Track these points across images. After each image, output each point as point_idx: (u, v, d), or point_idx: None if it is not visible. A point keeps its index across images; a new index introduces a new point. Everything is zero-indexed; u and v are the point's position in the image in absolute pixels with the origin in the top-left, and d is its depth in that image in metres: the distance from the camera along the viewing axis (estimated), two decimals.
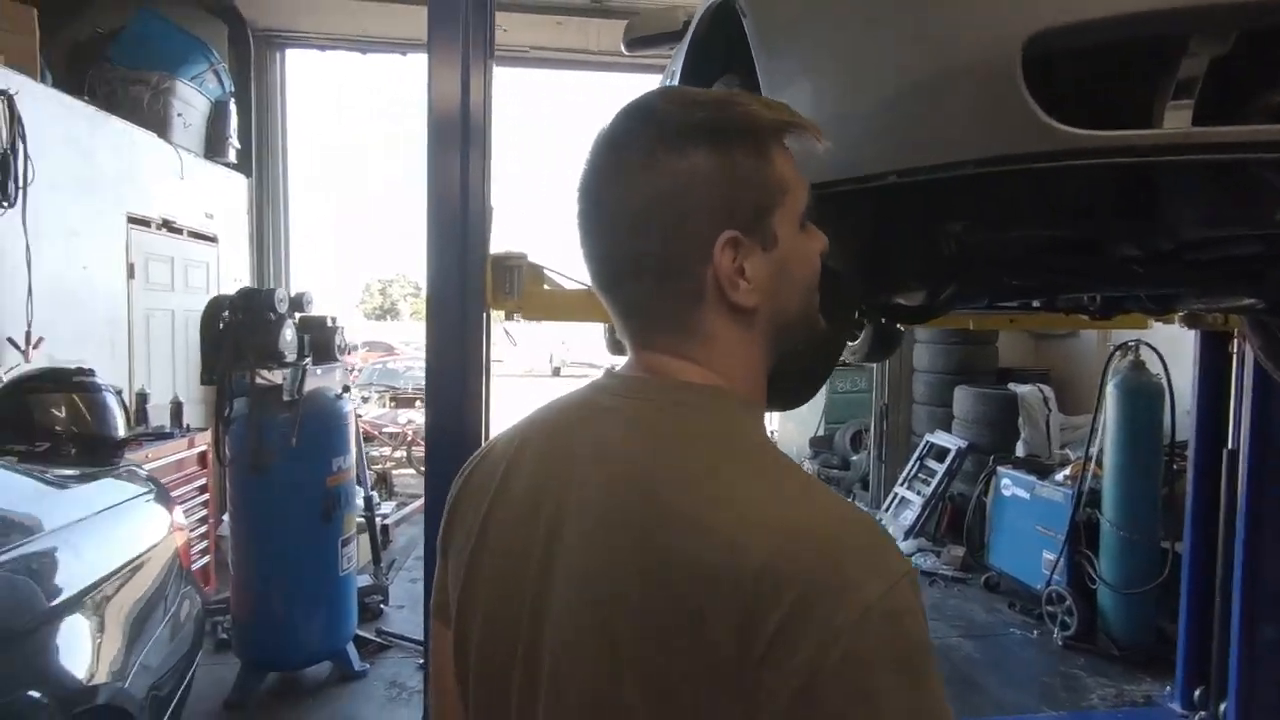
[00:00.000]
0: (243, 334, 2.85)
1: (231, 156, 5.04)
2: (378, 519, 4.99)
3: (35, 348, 3.21)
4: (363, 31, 5.29)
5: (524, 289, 2.31)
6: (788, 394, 1.38)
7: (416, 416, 8.17)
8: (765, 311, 0.60)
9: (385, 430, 8.05)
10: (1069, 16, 0.68)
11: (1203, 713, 2.92)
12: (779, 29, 1.03)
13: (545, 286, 2.42)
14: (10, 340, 3.12)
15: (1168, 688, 3.12)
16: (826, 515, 0.49)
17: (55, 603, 1.56)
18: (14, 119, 3.09)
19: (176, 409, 3.74)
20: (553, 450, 0.60)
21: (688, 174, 0.55)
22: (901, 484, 5.54)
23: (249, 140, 5.27)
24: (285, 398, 2.91)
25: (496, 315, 2.70)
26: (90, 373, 2.14)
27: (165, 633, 2.00)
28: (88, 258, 3.66)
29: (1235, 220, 0.77)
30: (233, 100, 4.93)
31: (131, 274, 4.02)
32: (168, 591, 2.05)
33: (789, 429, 8.41)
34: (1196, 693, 2.96)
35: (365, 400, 8.59)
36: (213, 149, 4.88)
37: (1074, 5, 0.68)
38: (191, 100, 4.59)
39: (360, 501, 3.83)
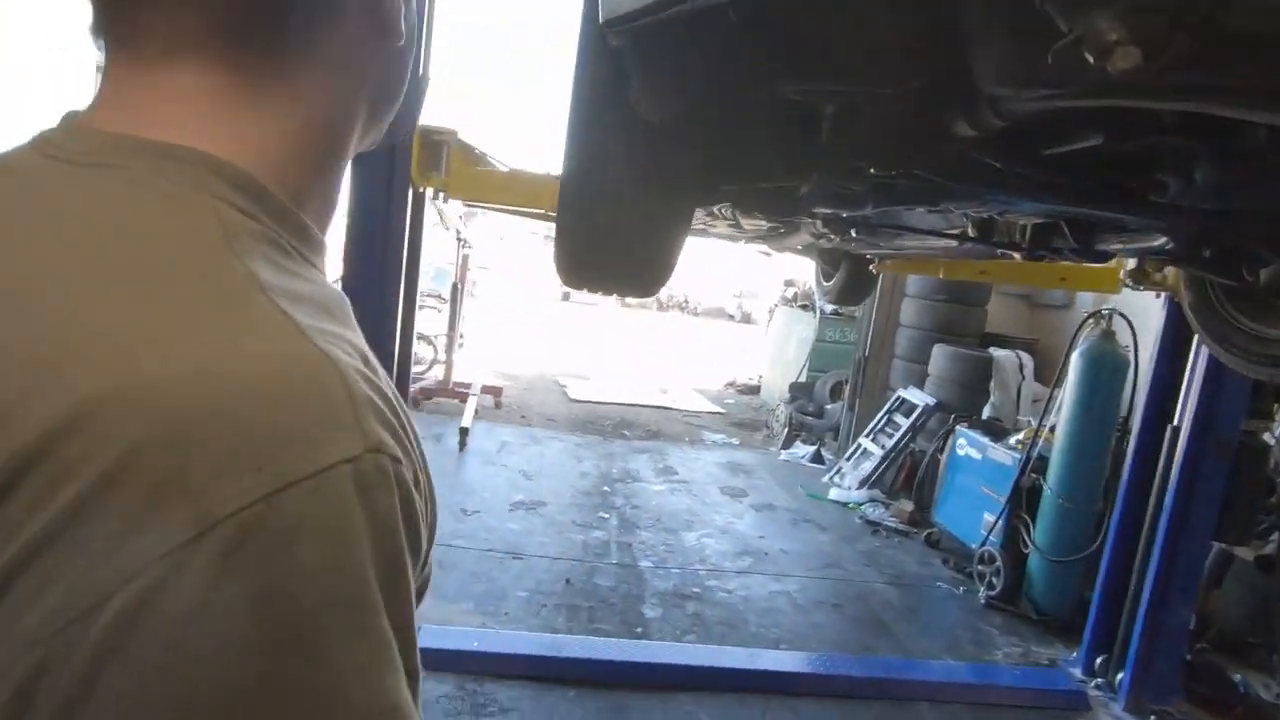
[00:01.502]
0: None
1: None
2: None
3: None
4: None
5: (451, 167, 2.22)
6: (631, 280, 1.31)
7: None
8: (390, 60, 0.44)
9: None
10: None
11: (1100, 679, 2.94)
12: None
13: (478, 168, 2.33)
14: None
15: (1074, 653, 3.13)
16: (237, 366, 0.29)
17: None
18: None
19: None
20: None
21: None
22: (867, 435, 5.51)
23: None
24: None
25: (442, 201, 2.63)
26: None
27: None
28: None
29: (1026, 77, 0.68)
30: None
31: None
32: None
33: (774, 374, 8.37)
34: (1099, 660, 2.97)
35: None
36: None
37: None
38: None
39: None
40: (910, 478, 4.99)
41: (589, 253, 1.20)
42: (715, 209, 1.96)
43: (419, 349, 7.97)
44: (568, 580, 3.35)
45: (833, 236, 2.38)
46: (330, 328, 0.34)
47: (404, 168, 2.24)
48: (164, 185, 0.34)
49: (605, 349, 12.01)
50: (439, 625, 2.74)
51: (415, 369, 7.57)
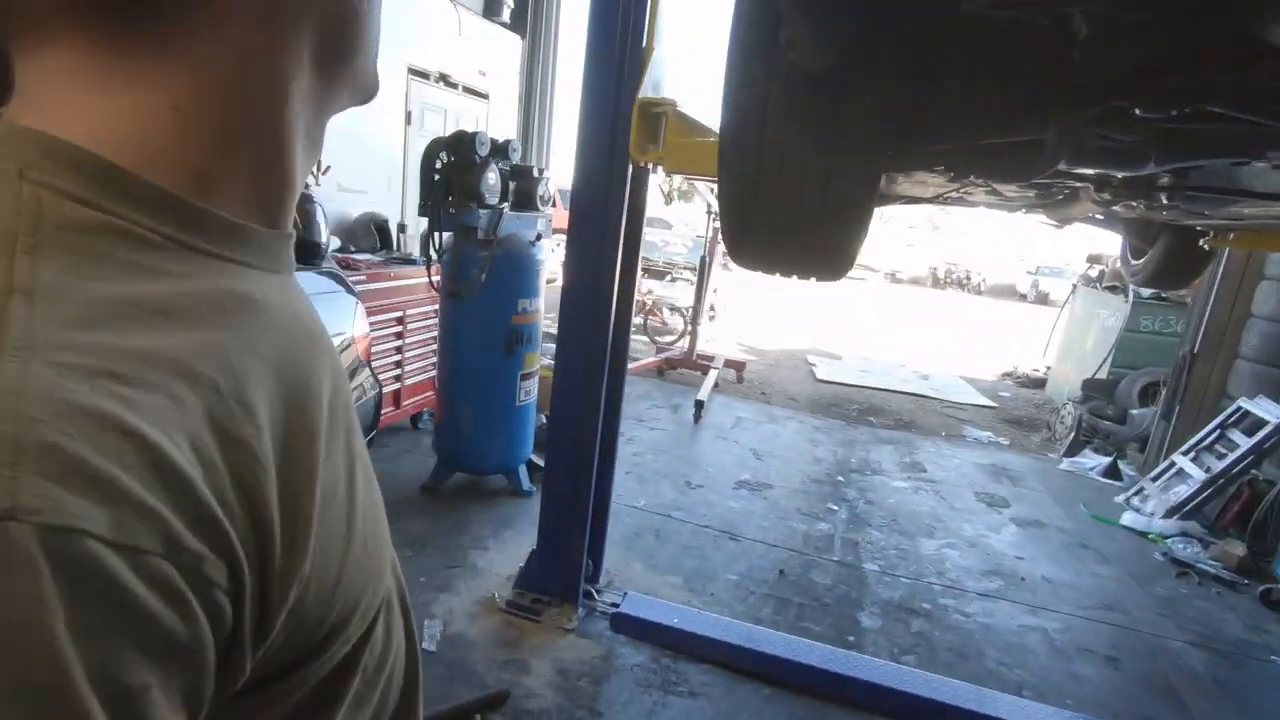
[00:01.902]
0: (454, 174, 3.15)
1: (505, 16, 5.40)
2: None
3: (324, 174, 3.93)
4: None
5: (668, 139, 2.17)
6: (804, 261, 1.13)
7: (660, 288, 8.55)
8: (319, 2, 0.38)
9: None
10: None
11: None
12: None
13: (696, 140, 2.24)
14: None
15: None
16: None
17: None
18: None
19: (425, 240, 4.34)
20: None
21: None
22: (1185, 452, 4.40)
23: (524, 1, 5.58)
24: (480, 236, 3.20)
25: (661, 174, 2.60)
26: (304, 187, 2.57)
27: None
28: (371, 106, 4.29)
29: None
30: None
31: (409, 121, 4.64)
32: (349, 368, 2.48)
33: (1065, 367, 7.11)
34: None
35: None
36: (490, 8, 5.28)
37: None
38: None
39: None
40: (1245, 513, 3.88)
41: (752, 227, 1.05)
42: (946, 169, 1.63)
43: (672, 320, 8.26)
44: (781, 571, 3.20)
45: (1133, 203, 1.88)
46: (126, 341, 0.28)
47: (624, 142, 2.24)
48: None
49: (865, 327, 11.28)
50: (644, 594, 2.80)
51: (665, 339, 7.86)
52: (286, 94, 0.38)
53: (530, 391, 3.57)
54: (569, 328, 2.48)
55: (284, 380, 0.36)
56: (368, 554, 0.41)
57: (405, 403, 4.18)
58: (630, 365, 6.40)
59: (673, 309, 8.41)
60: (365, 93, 0.45)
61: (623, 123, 2.25)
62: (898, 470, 4.80)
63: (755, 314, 10.80)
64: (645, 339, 8.13)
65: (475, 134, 3.11)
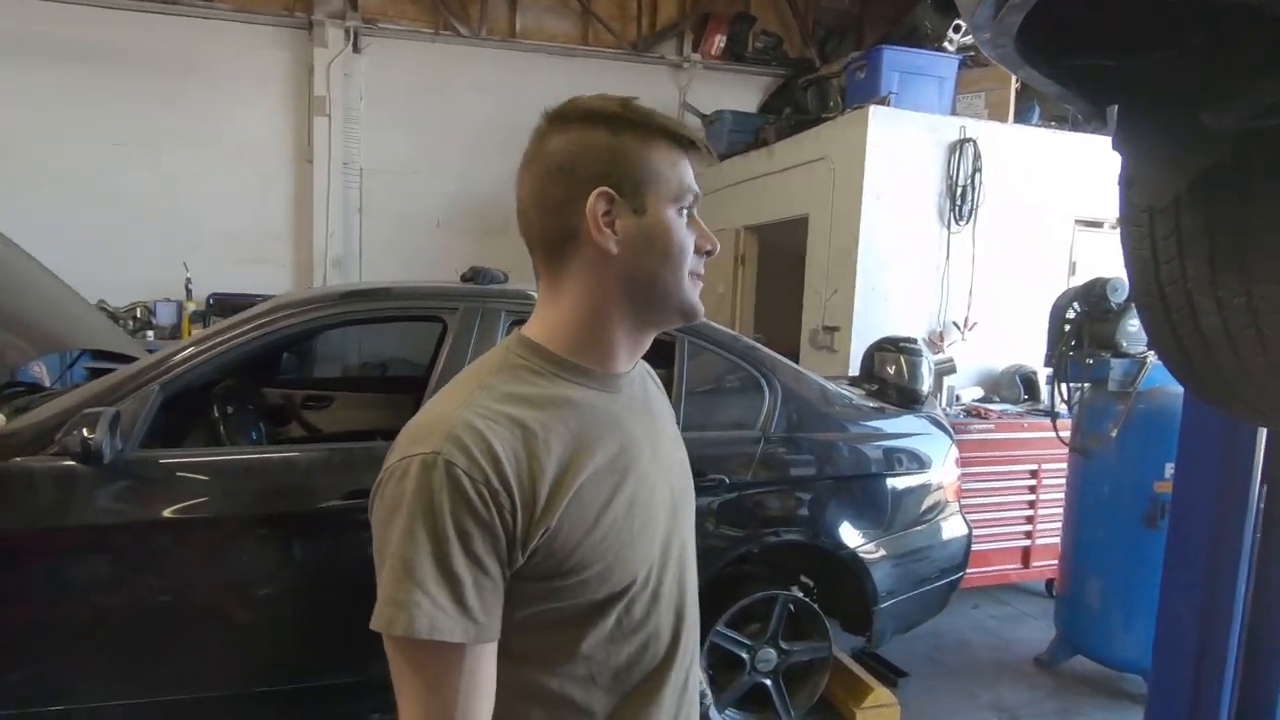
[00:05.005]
0: (1085, 323, 3.00)
1: None
2: None
3: (970, 330, 4.22)
4: None
5: None
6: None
7: None
8: (621, 263, 0.74)
9: None
10: None
11: None
12: None
13: None
14: (954, 324, 4.23)
15: None
16: (429, 408, 0.74)
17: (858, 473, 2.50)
18: (976, 157, 4.12)
19: (1051, 392, 4.03)
20: None
21: (585, 141, 0.75)
22: None
23: None
24: (1112, 388, 2.89)
25: None
26: (913, 341, 2.92)
27: (920, 538, 2.62)
28: (1029, 259, 4.39)
29: None
30: None
31: (1073, 271, 4.50)
32: (933, 505, 2.64)
33: None
34: None
35: None
36: None
37: None
38: None
39: None
40: None
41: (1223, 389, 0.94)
42: None
43: None
44: None
45: None
46: (502, 408, 0.71)
47: None
48: (500, 349, 0.81)
49: None
50: None
51: None
52: (609, 314, 0.78)
53: None
54: (1185, 482, 2.00)
55: (577, 439, 0.74)
56: (605, 544, 0.73)
57: (1036, 563, 3.89)
58: None
59: None
60: (685, 318, 0.80)
61: None
62: None
63: None
64: None
65: (1109, 280, 2.90)
